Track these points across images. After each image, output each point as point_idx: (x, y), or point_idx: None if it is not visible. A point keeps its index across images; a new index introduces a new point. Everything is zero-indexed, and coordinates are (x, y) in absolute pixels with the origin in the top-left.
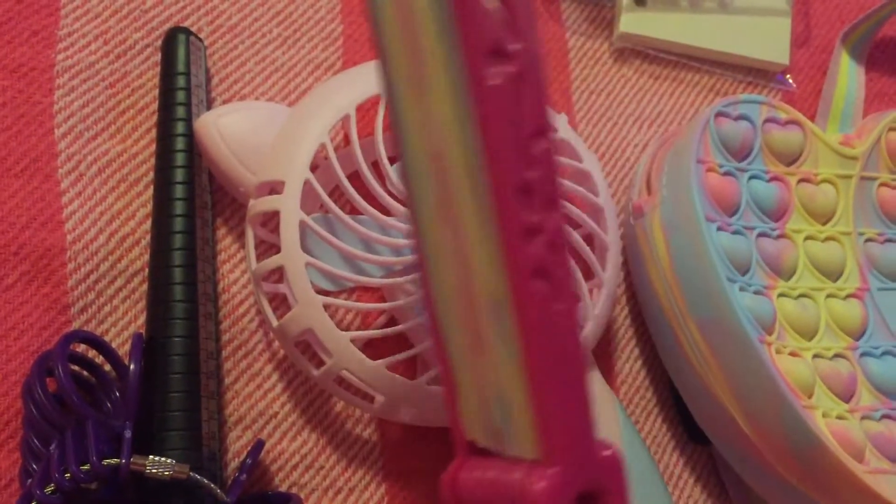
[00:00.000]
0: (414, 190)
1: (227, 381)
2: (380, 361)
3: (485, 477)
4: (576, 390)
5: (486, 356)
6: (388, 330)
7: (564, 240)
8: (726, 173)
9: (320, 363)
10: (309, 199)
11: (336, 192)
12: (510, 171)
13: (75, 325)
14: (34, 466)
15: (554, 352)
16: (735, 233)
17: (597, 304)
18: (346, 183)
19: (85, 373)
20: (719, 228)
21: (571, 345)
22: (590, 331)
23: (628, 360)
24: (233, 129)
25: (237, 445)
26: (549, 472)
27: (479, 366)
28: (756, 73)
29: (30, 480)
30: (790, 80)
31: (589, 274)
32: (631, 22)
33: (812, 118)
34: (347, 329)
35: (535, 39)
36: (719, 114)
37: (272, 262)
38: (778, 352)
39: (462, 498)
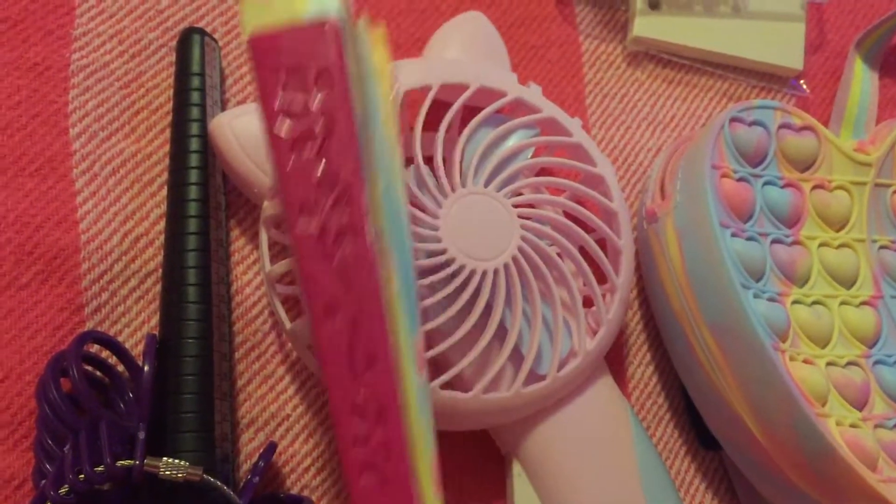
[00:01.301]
0: None
1: (240, 382)
2: None
3: None
4: None
5: None
6: None
7: (397, 444)
8: (741, 179)
9: None
10: None
11: None
12: (341, 398)
13: (89, 326)
14: (48, 467)
15: None
16: (749, 239)
17: (610, 308)
18: None
19: (98, 373)
20: (733, 234)
21: None
22: (602, 336)
23: (640, 364)
24: (248, 130)
25: (249, 447)
26: None
27: None
28: (770, 78)
29: (43, 481)
30: (804, 86)
31: (602, 278)
32: (645, 26)
33: (825, 124)
34: None
35: (373, 310)
36: (734, 119)
37: (286, 264)
38: (792, 359)
39: None
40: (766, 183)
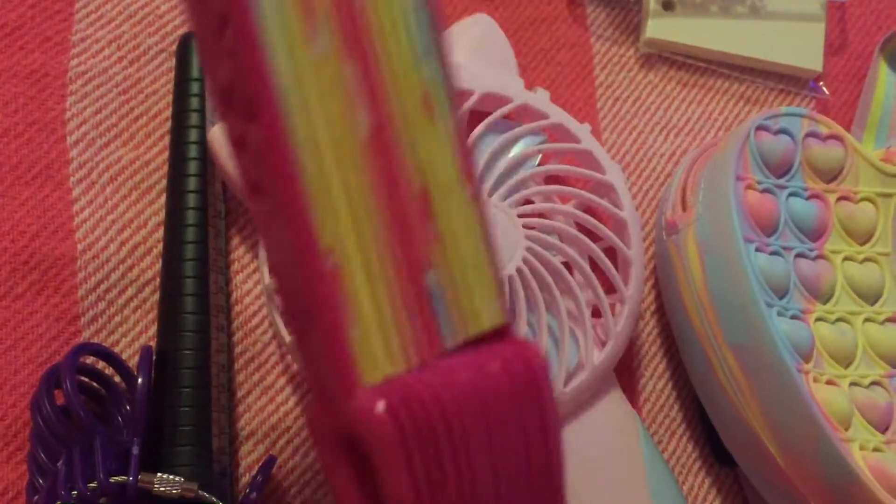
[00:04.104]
0: None
1: (240, 393)
2: None
3: None
4: None
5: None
6: None
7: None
8: (765, 190)
9: None
10: None
11: None
12: None
13: (85, 336)
14: (41, 482)
15: None
16: (773, 253)
17: (619, 321)
18: None
19: (95, 384)
20: (757, 249)
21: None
22: (611, 348)
23: (652, 377)
24: None
25: (249, 460)
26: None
27: None
28: (788, 80)
29: (36, 497)
30: (824, 88)
31: (611, 289)
32: (658, 27)
33: (847, 128)
34: None
35: None
36: (759, 127)
37: None
38: (815, 381)
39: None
40: (790, 194)
